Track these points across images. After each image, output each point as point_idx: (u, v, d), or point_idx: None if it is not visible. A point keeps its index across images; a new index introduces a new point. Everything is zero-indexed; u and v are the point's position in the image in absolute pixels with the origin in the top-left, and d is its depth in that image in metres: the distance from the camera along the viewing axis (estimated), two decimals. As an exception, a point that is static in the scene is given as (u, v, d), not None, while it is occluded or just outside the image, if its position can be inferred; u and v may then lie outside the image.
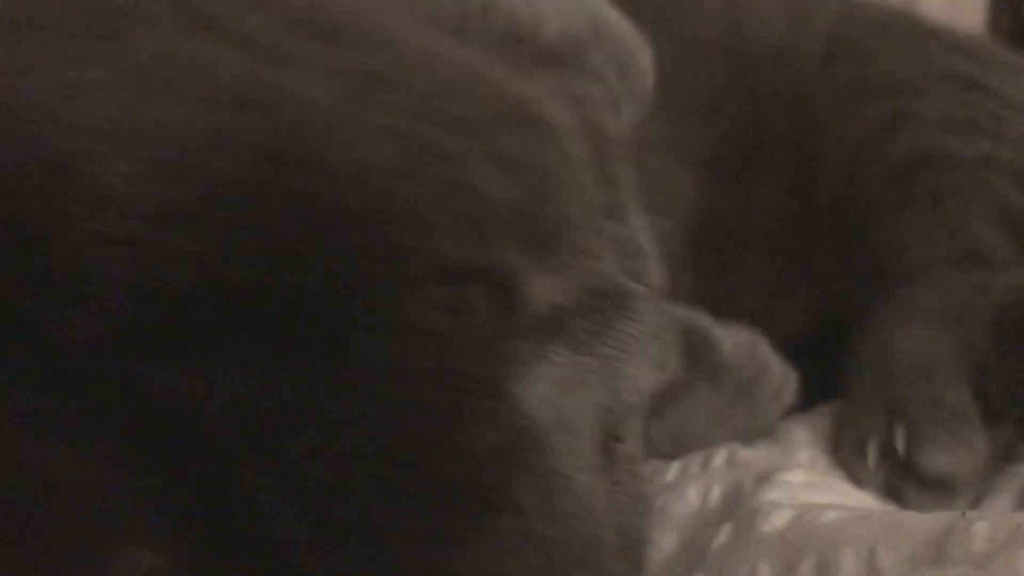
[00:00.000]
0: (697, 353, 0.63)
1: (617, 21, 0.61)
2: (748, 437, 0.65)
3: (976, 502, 0.52)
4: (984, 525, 0.40)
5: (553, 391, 0.34)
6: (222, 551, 0.27)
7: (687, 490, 0.59)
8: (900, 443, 0.58)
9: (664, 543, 0.56)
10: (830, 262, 0.77)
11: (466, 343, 0.29)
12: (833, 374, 0.70)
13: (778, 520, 0.48)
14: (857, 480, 0.59)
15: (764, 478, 0.55)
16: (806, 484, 0.55)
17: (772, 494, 0.53)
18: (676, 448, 0.66)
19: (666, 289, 0.45)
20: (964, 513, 0.42)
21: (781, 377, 0.66)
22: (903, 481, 0.57)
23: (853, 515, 0.46)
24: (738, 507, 0.53)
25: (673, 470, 0.63)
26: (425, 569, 0.27)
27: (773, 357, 0.66)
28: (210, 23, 0.32)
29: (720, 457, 0.60)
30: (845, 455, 0.61)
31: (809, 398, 0.68)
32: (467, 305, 0.30)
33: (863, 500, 0.56)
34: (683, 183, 0.73)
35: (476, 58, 0.39)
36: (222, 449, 0.26)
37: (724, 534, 0.50)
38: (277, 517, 0.27)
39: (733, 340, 0.65)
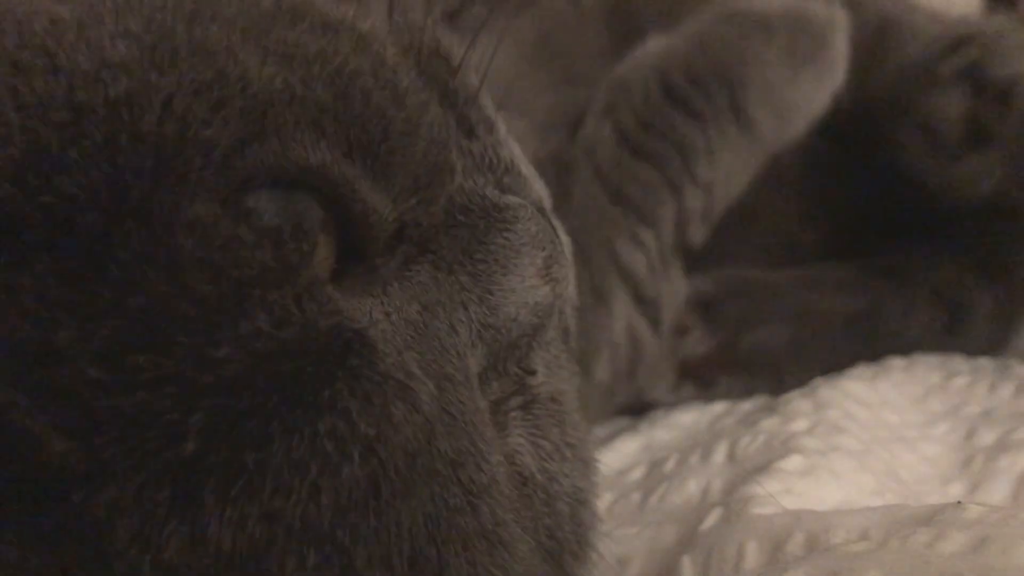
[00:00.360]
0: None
1: None
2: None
3: (971, 491, 0.50)
4: (978, 509, 0.40)
5: (413, 310, 0.34)
6: None
7: (687, 482, 0.59)
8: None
9: (663, 534, 0.55)
10: None
11: (247, 247, 0.28)
12: None
13: (769, 508, 0.47)
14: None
15: (761, 469, 0.54)
16: (802, 471, 0.54)
17: (768, 486, 0.52)
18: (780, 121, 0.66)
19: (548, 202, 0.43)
20: (960, 502, 0.41)
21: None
22: None
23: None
24: (733, 493, 0.52)
25: (672, 461, 0.62)
26: (229, 466, 0.27)
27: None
28: None
29: (720, 452, 0.60)
30: None
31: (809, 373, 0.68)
32: (249, 210, 0.29)
33: (859, 483, 0.55)
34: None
35: None
36: None
37: (714, 517, 0.49)
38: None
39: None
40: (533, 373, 0.39)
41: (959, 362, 0.69)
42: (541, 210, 0.40)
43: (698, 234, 0.69)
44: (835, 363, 0.69)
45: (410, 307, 0.34)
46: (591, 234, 0.65)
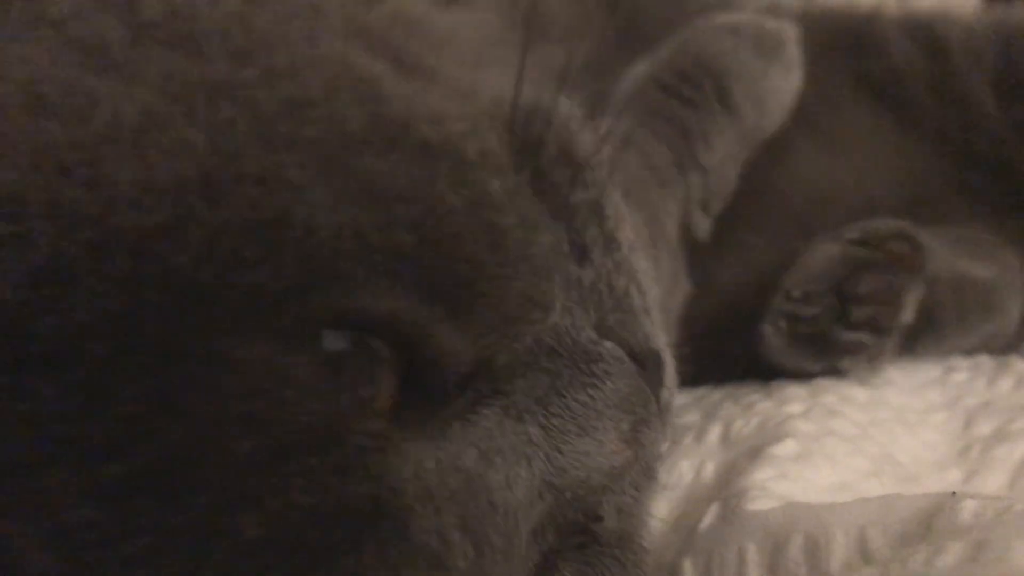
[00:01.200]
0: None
1: None
2: None
3: (968, 479, 0.51)
4: (973, 503, 0.40)
5: (470, 457, 0.30)
6: None
7: (679, 463, 0.59)
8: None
9: (656, 511, 0.56)
10: None
11: (292, 402, 0.26)
12: None
13: (764, 503, 0.47)
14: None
15: (755, 454, 0.54)
16: (795, 456, 0.54)
17: (761, 473, 0.52)
18: (760, 110, 0.72)
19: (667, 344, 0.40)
20: (955, 493, 0.41)
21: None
22: None
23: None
24: (728, 485, 0.52)
25: (665, 444, 0.62)
26: None
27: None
28: (54, 24, 0.30)
29: (714, 433, 0.60)
30: None
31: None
32: (292, 351, 0.26)
33: (854, 466, 0.55)
34: None
35: (378, 70, 0.34)
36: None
37: (711, 515, 0.49)
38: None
39: None
40: (599, 520, 0.36)
41: (958, 358, 0.69)
42: (646, 357, 0.36)
43: (702, 225, 0.71)
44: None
45: (467, 453, 0.30)
46: (638, 187, 0.65)
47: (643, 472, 0.39)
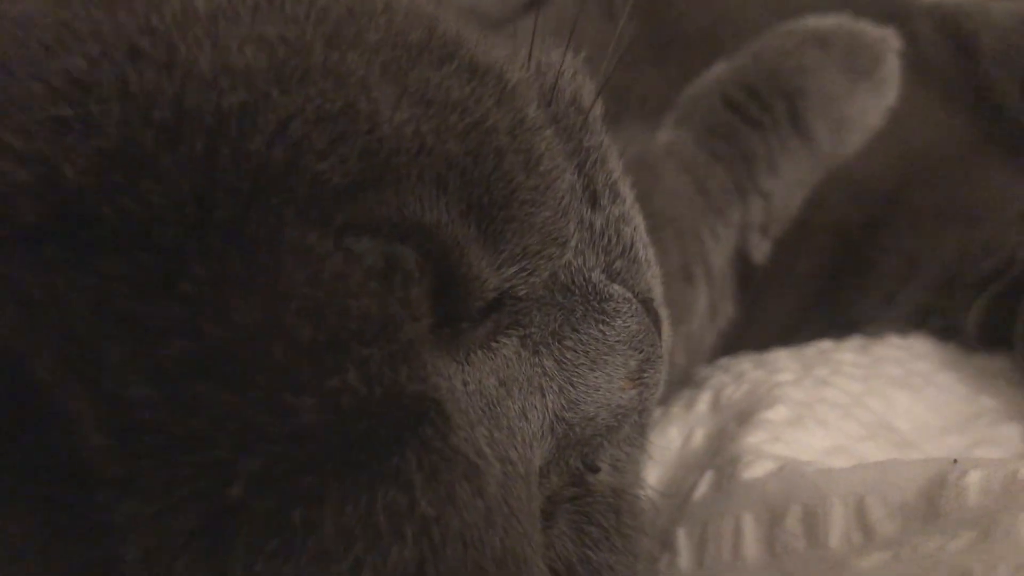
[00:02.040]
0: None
1: None
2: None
3: (973, 447, 0.50)
4: (978, 475, 0.39)
5: (491, 384, 0.32)
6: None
7: (668, 429, 0.58)
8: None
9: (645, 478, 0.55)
10: None
11: (353, 292, 0.26)
12: None
13: (759, 469, 0.46)
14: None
15: (745, 418, 0.53)
16: (787, 421, 0.53)
17: (753, 437, 0.51)
18: (837, 134, 0.66)
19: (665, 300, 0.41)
20: (956, 461, 0.40)
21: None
22: None
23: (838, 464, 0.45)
24: (720, 451, 0.51)
25: (657, 411, 0.61)
26: (271, 520, 0.25)
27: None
28: None
29: (704, 402, 0.59)
30: None
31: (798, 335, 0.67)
32: (359, 255, 0.27)
33: (847, 430, 0.54)
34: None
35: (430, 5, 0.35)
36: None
37: (705, 483, 0.48)
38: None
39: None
40: (596, 471, 0.37)
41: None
42: (647, 304, 0.37)
43: (760, 248, 0.67)
44: None
45: (488, 380, 0.31)
46: (682, 214, 0.63)
47: (638, 429, 0.40)
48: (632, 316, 0.35)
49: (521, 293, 0.33)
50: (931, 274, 0.68)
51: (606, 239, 0.37)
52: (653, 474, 0.56)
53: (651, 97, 0.70)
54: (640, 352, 0.35)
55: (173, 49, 0.26)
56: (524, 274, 0.33)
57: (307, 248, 0.26)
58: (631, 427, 0.38)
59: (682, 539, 0.46)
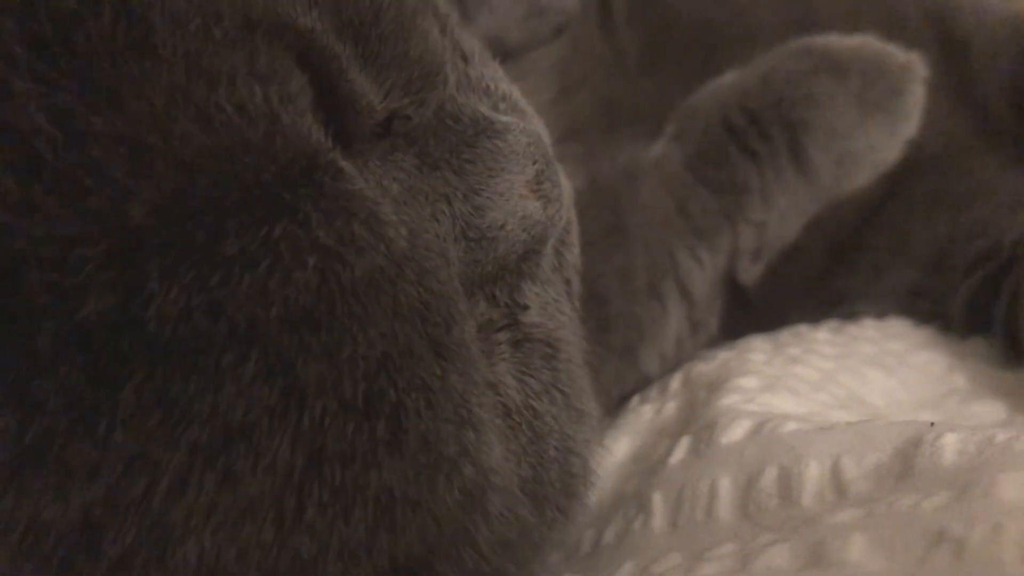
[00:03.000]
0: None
1: None
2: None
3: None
4: (953, 437, 0.39)
5: (394, 188, 0.33)
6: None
7: (640, 407, 0.59)
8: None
9: (615, 449, 0.55)
10: None
11: (225, 50, 0.28)
12: None
13: (737, 431, 0.46)
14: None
15: (717, 386, 0.53)
16: (760, 387, 0.53)
17: (727, 399, 0.52)
18: (841, 169, 0.63)
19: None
20: (933, 424, 0.40)
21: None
22: None
23: (815, 425, 0.44)
24: (694, 419, 0.51)
25: (635, 399, 0.62)
26: (178, 247, 0.26)
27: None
28: None
29: (676, 380, 0.59)
30: None
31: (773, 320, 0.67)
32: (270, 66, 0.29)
33: (818, 400, 0.54)
34: None
35: None
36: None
37: (682, 449, 0.48)
38: None
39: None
40: (525, 308, 0.38)
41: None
42: (538, 137, 0.38)
43: (750, 273, 0.65)
44: None
45: (390, 185, 0.33)
46: (655, 231, 0.62)
47: (564, 284, 0.42)
48: (523, 132, 0.37)
49: (412, 120, 0.35)
50: (921, 253, 0.68)
51: (484, 86, 0.40)
52: (624, 443, 0.56)
53: (644, 108, 0.68)
54: (535, 162, 0.37)
55: None
56: (413, 105, 0.35)
57: (178, 13, 0.28)
58: (551, 270, 0.40)
59: (657, 502, 0.46)
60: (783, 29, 0.69)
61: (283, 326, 0.27)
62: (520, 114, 0.41)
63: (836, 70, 0.62)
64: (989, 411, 0.52)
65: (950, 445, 0.38)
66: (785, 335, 0.64)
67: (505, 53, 0.46)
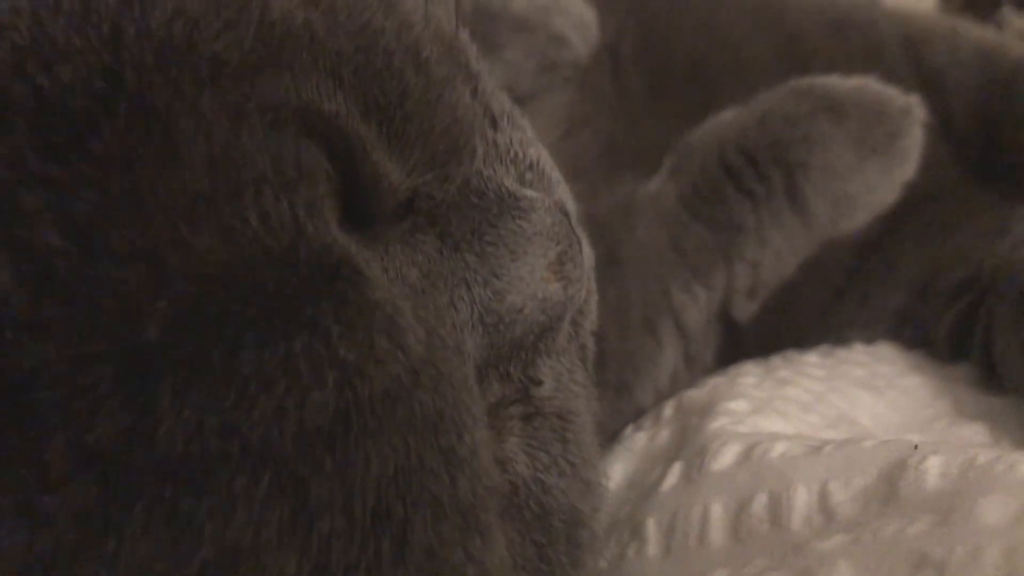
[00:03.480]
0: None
1: None
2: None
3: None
4: (937, 460, 0.40)
5: (413, 274, 0.32)
6: None
7: (635, 435, 0.59)
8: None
9: (610, 475, 0.56)
10: None
11: (249, 152, 0.28)
12: None
13: (727, 456, 0.47)
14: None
15: (708, 410, 0.54)
16: (750, 410, 0.54)
17: (717, 423, 0.53)
18: (837, 211, 0.63)
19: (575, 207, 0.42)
20: (917, 446, 0.41)
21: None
22: None
23: (804, 448, 0.46)
24: (686, 444, 0.52)
25: (629, 427, 0.62)
26: (193, 365, 0.26)
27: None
28: None
29: (669, 407, 0.60)
30: None
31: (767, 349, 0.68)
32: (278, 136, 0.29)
33: (808, 421, 0.55)
34: None
35: None
36: None
37: (674, 475, 0.49)
38: None
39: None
40: (539, 383, 0.38)
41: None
42: (563, 211, 0.38)
43: (745, 309, 0.65)
44: None
45: (410, 271, 0.32)
46: (650, 267, 0.62)
47: (578, 349, 0.42)
48: (547, 211, 0.36)
49: (436, 198, 0.34)
50: (909, 278, 0.68)
51: (512, 154, 0.39)
52: (618, 468, 0.56)
53: (646, 148, 0.68)
54: (558, 244, 0.36)
55: None
56: (436, 181, 0.34)
57: (204, 110, 0.27)
58: (567, 341, 0.40)
59: (651, 528, 0.47)
60: (776, 63, 0.70)
61: (297, 446, 0.26)
62: (547, 183, 0.40)
63: (835, 112, 0.62)
64: (973, 434, 0.53)
65: (933, 468, 0.39)
66: (776, 359, 0.65)
67: (516, 99, 0.45)
